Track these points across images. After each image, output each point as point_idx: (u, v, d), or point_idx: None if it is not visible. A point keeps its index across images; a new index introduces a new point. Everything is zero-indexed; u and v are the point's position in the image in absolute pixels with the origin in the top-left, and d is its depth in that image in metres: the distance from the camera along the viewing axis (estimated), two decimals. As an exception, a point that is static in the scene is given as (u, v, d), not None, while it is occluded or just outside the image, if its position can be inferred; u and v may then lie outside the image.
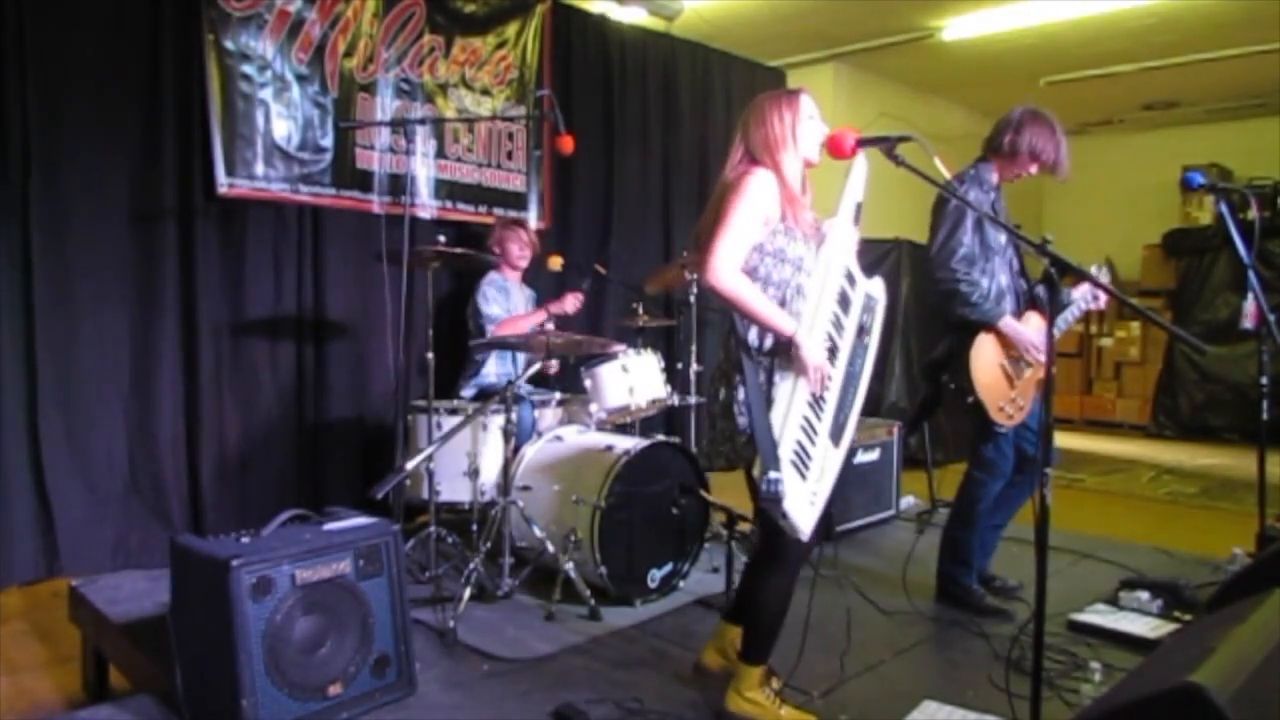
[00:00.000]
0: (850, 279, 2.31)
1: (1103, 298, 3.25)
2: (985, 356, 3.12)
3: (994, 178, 3.20)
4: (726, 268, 2.14)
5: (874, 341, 2.36)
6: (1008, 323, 3.10)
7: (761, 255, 2.22)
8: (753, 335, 2.22)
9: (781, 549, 2.28)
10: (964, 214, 3.07)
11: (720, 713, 2.39)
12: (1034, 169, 3.16)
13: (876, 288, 2.39)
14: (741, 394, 2.21)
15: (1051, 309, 2.16)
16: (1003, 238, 3.13)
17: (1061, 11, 6.10)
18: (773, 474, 2.02)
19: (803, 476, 2.10)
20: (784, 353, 2.17)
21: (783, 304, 2.21)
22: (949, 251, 3.07)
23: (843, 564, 3.73)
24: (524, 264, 4.30)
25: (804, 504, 2.10)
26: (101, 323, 3.67)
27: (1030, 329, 3.14)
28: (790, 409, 2.12)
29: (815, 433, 2.15)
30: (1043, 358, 3.12)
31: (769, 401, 2.14)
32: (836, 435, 2.21)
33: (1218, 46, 6.71)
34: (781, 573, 2.33)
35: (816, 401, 2.17)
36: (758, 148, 2.27)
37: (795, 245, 2.23)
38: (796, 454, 2.09)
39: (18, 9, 3.38)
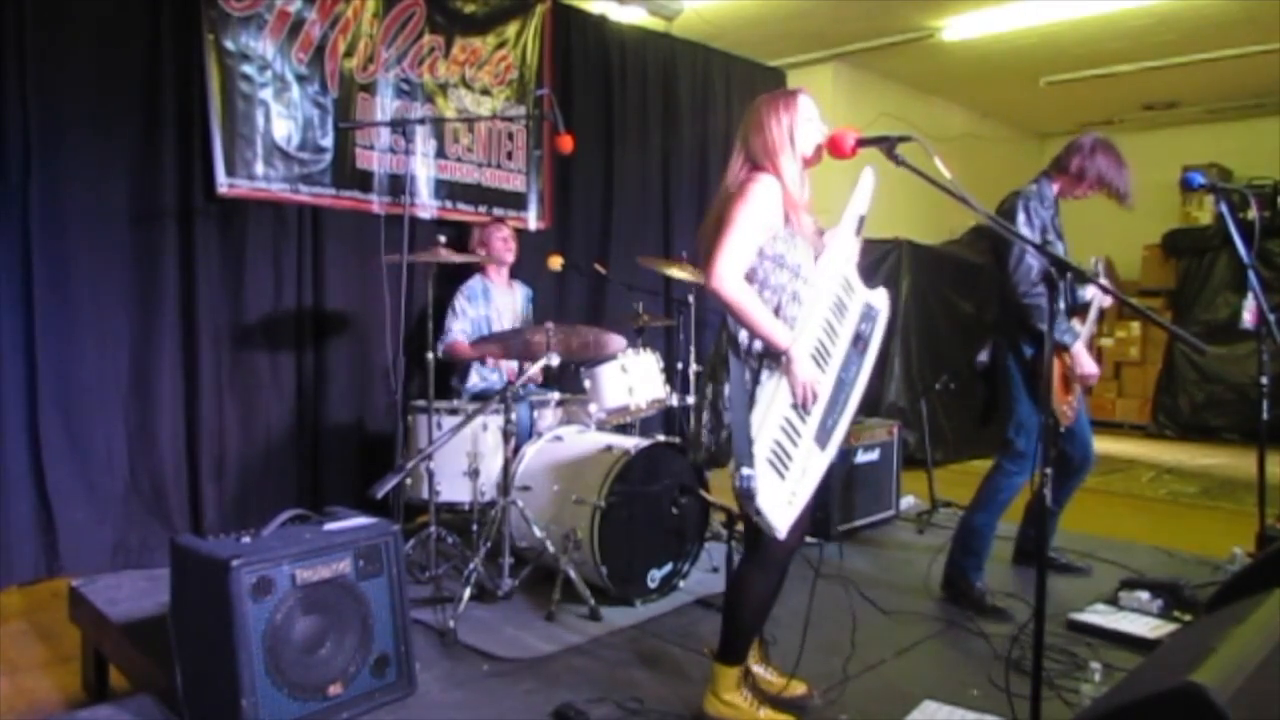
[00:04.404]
0: (848, 288, 2.30)
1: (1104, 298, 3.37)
2: (1053, 367, 3.24)
3: (1053, 193, 3.35)
4: (730, 275, 2.15)
5: (873, 351, 2.33)
6: (1079, 347, 3.29)
7: (761, 259, 2.22)
8: (742, 334, 2.22)
9: (762, 547, 2.29)
10: (1034, 229, 3.23)
11: (698, 716, 2.39)
12: (1093, 193, 3.34)
13: (879, 298, 2.37)
14: (726, 390, 2.22)
15: (1051, 309, 2.16)
16: (1060, 251, 3.25)
17: (1061, 11, 6.09)
18: (745, 470, 2.04)
19: (781, 476, 2.11)
20: (772, 355, 2.18)
21: (778, 309, 2.22)
22: (1028, 266, 3.16)
23: (843, 564, 3.74)
24: (510, 258, 4.30)
25: (780, 503, 2.10)
26: (101, 323, 3.67)
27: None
28: (771, 409, 2.13)
29: (798, 434, 2.16)
30: (1091, 376, 3.37)
31: (751, 400, 2.15)
32: (823, 439, 2.21)
33: (1218, 46, 6.71)
34: (761, 571, 2.33)
35: (802, 404, 2.17)
36: (758, 153, 2.26)
37: (795, 251, 2.23)
38: (774, 453, 2.10)
39: (18, 9, 3.37)
